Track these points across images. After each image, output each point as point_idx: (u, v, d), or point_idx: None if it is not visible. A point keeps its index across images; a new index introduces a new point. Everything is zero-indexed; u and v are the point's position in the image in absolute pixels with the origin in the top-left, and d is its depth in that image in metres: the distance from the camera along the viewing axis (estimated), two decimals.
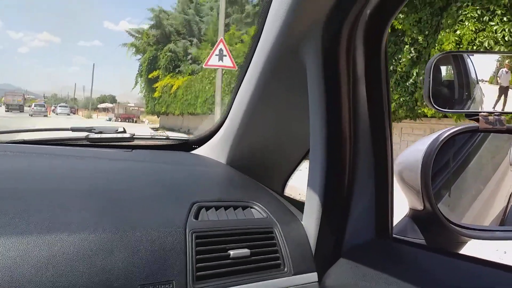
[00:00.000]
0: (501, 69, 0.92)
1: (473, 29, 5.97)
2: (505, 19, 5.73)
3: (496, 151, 1.02)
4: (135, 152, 1.17)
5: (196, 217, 0.79)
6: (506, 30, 5.64)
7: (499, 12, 5.85)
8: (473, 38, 5.98)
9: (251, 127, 1.05)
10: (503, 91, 0.92)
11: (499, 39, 5.79)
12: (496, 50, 5.47)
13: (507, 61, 0.95)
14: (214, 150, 1.21)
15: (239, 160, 1.14)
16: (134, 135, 1.22)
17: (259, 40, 0.89)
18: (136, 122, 38.73)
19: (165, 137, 1.34)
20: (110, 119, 41.39)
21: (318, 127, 0.81)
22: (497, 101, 0.92)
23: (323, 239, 0.83)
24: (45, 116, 42.86)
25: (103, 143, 1.20)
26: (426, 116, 7.02)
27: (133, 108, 44.07)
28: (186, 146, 1.30)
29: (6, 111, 51.88)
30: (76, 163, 1.00)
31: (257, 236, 0.80)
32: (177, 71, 21.64)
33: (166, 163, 1.14)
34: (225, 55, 10.08)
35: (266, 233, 0.82)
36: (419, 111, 7.00)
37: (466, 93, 0.93)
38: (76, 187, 0.82)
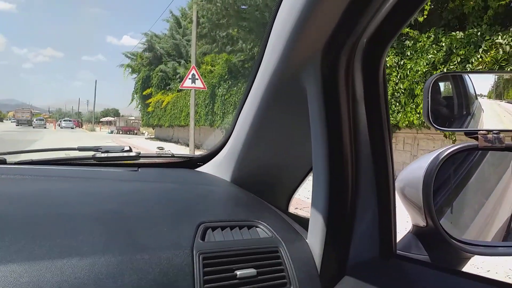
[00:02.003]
0: None
1: None
2: None
3: (497, 164, 0.98)
4: (141, 171, 1.14)
5: (203, 238, 0.77)
6: None
7: None
8: None
9: (255, 146, 1.02)
10: None
11: None
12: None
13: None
14: (218, 168, 1.18)
15: (243, 178, 1.11)
16: (139, 153, 1.20)
17: (260, 65, 0.89)
18: (136, 134, 39.34)
19: (170, 155, 1.31)
20: (111, 132, 41.68)
21: (320, 149, 0.79)
22: None
23: (328, 257, 0.80)
24: (45, 127, 50.11)
25: (109, 162, 1.18)
26: None
27: (133, 121, 44.29)
28: (191, 163, 1.28)
29: (16, 125, 56.95)
30: (85, 185, 0.98)
31: (263, 256, 0.78)
32: (167, 89, 22.71)
33: (172, 182, 1.10)
34: (197, 79, 12.16)
35: (272, 253, 0.79)
36: None
37: (465, 111, 0.90)
38: (85, 211, 0.79)
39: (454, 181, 0.94)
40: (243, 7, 11.42)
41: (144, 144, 19.05)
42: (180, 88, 13.03)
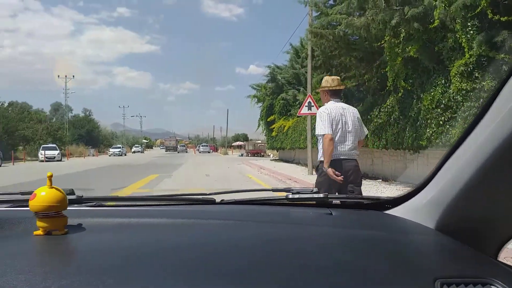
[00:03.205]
0: None
1: None
2: None
3: None
4: (335, 214, 1.13)
5: None
6: None
7: None
8: None
9: (473, 192, 0.92)
10: None
11: None
12: None
13: None
14: (416, 212, 1.09)
15: (451, 225, 1.00)
16: (327, 195, 1.20)
17: (485, 113, 0.82)
18: (263, 156, 41.29)
19: (360, 197, 1.33)
20: (242, 155, 45.09)
21: None
22: None
23: None
24: (186, 152, 59.50)
25: (300, 202, 1.22)
26: None
27: (260, 144, 46.02)
28: (379, 205, 1.24)
29: (165, 151, 67.65)
30: (300, 232, 0.98)
31: None
32: (288, 114, 24.18)
33: (378, 230, 1.04)
34: (313, 106, 13.55)
35: None
36: None
37: None
38: (320, 262, 0.77)
39: None
40: (355, 38, 12.30)
41: (269, 165, 20.77)
42: (298, 114, 14.35)
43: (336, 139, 3.64)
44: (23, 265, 0.70)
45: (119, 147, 51.33)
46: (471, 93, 6.99)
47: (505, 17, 6.21)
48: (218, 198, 1.24)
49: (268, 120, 27.51)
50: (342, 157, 3.61)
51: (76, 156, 42.20)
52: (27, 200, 0.97)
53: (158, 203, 1.26)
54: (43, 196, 0.85)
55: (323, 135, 3.63)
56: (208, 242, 0.86)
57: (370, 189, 9.34)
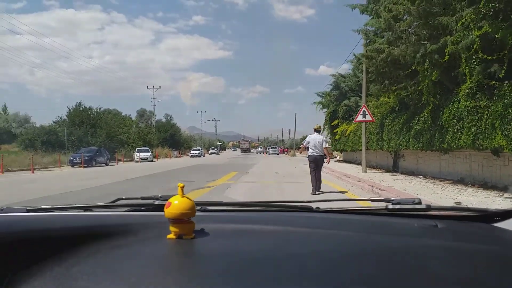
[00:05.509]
0: None
1: None
2: None
3: None
4: (441, 226, 1.07)
5: None
6: None
7: None
8: None
9: None
10: None
11: None
12: None
13: None
14: None
15: None
16: (430, 206, 1.15)
17: None
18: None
19: (465, 208, 1.26)
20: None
21: None
22: None
23: None
24: (262, 153, 65.30)
25: (400, 213, 1.18)
26: None
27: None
28: (487, 217, 1.17)
29: (241, 152, 74.85)
30: (409, 243, 0.94)
31: None
32: (350, 119, 25.27)
33: (494, 244, 0.97)
34: (367, 114, 16.17)
35: None
36: None
37: None
38: (438, 276, 0.72)
39: None
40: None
41: (331, 165, 23.25)
42: (353, 122, 16.85)
43: (311, 146, 9.76)
44: (161, 267, 0.76)
45: (199, 149, 56.34)
46: (473, 109, 9.37)
47: (490, 56, 8.59)
48: (313, 206, 1.28)
49: (332, 124, 29.98)
50: (315, 154, 9.68)
51: (162, 157, 47.61)
52: (160, 206, 1.14)
53: (260, 208, 1.33)
54: (177, 204, 0.92)
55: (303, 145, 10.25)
56: (328, 250, 0.87)
57: (409, 182, 11.77)
